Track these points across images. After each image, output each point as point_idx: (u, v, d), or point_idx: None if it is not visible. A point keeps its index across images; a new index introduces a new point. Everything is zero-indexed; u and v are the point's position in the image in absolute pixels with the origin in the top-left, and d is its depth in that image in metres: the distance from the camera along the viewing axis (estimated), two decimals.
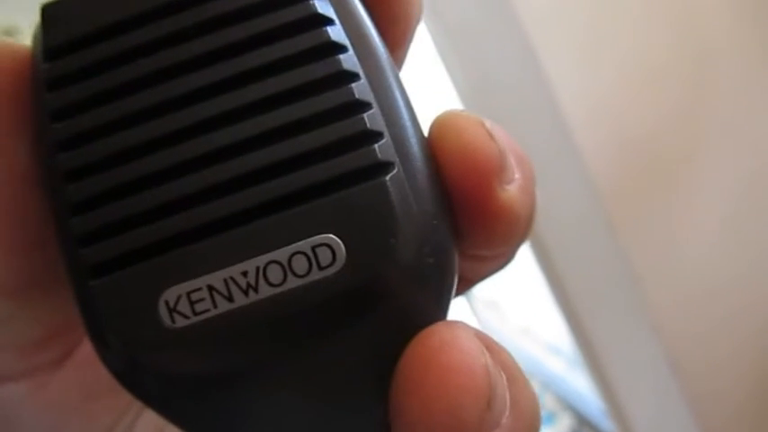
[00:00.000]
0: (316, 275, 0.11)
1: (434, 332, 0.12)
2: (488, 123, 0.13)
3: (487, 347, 0.12)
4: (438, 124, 0.13)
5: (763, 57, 0.73)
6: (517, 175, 0.13)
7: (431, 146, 0.13)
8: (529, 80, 0.69)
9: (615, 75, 0.71)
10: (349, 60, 0.12)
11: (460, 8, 0.71)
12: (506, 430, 0.12)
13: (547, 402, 1.48)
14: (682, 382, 0.78)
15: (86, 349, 0.15)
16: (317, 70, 0.12)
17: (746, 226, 0.76)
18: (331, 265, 0.11)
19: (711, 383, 0.79)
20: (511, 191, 0.13)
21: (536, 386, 1.57)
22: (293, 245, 0.11)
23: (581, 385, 1.28)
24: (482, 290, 1.75)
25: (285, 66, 0.12)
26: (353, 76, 0.12)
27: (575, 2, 0.69)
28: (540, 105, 0.70)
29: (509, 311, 1.62)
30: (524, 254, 0.83)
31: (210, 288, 0.11)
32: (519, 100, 0.72)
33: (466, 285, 0.17)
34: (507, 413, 0.12)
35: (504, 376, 0.12)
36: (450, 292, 0.13)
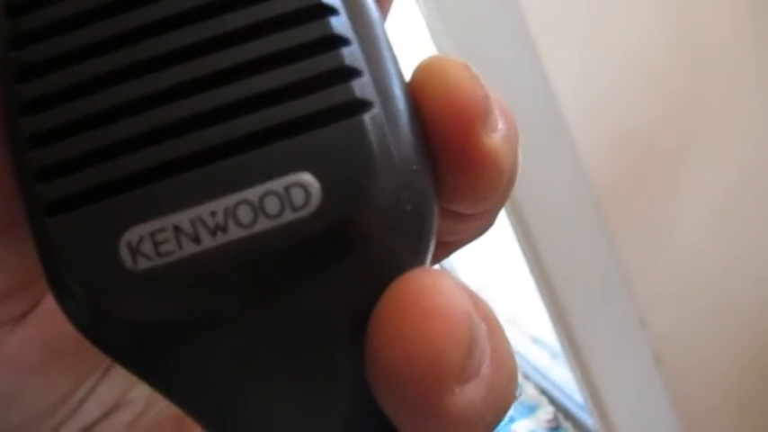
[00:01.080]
0: (288, 217, 0.11)
1: (414, 277, 0.11)
2: (475, 70, 0.13)
3: (469, 296, 0.12)
4: (421, 68, 0.13)
5: (759, 54, 0.73)
6: (501, 126, 0.13)
7: (414, 91, 0.13)
8: (526, 72, 0.69)
9: (611, 69, 0.70)
10: None
11: (460, 1, 0.70)
12: (485, 382, 0.12)
13: (528, 393, 1.48)
14: (664, 376, 0.78)
15: (49, 304, 0.14)
16: (292, 3, 0.11)
17: (735, 223, 0.76)
18: (305, 206, 0.11)
19: (694, 378, 0.79)
20: (495, 139, 0.13)
21: (518, 377, 1.58)
22: (265, 184, 0.11)
23: (563, 377, 1.29)
24: (469, 278, 1.75)
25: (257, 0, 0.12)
26: (332, 11, 0.12)
27: (578, 2, 0.68)
28: (537, 97, 0.69)
29: (495, 301, 1.63)
30: (512, 244, 0.83)
31: (176, 228, 0.11)
32: (515, 92, 0.71)
33: (445, 250, 0.16)
34: (487, 363, 0.12)
35: (484, 327, 0.12)
36: (428, 243, 0.12)
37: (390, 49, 0.12)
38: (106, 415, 0.16)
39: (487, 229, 0.16)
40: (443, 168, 0.13)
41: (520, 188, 0.77)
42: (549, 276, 0.77)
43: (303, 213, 0.11)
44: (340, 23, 0.12)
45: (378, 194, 0.11)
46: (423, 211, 0.12)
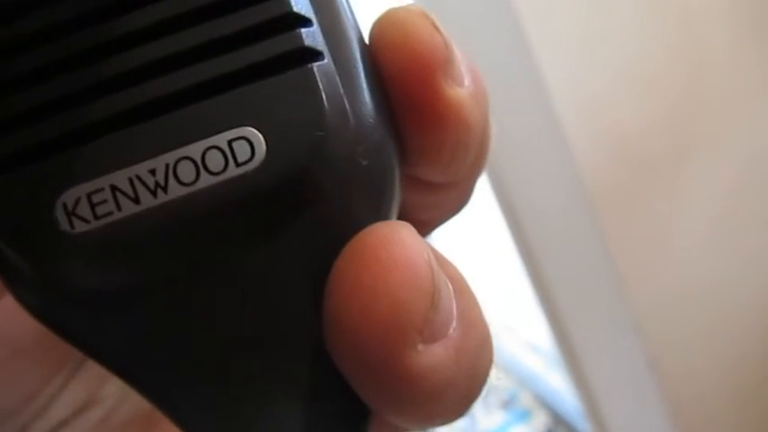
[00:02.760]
0: (232, 172, 0.10)
1: (372, 229, 0.11)
2: (434, 18, 0.12)
3: (431, 251, 0.11)
4: (378, 20, 0.12)
5: (758, 58, 0.73)
6: (467, 82, 0.12)
7: (371, 43, 0.12)
8: (522, 75, 0.68)
9: (608, 73, 0.70)
10: None
11: (455, 4, 0.69)
12: (454, 343, 0.11)
13: (523, 400, 1.48)
14: (660, 384, 0.77)
15: (11, 301, 0.14)
16: None
17: (732, 230, 0.76)
18: (249, 161, 0.10)
19: (690, 386, 0.79)
20: (460, 92, 0.12)
21: (513, 383, 1.58)
22: (207, 139, 0.10)
23: (558, 384, 1.28)
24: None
25: None
26: None
27: (573, 4, 0.68)
28: (533, 103, 0.69)
29: (491, 307, 1.62)
30: (509, 250, 0.82)
31: (114, 188, 0.10)
32: (511, 96, 0.71)
33: (422, 230, 0.15)
34: (455, 325, 0.11)
35: (450, 286, 0.11)
36: (390, 202, 0.12)
37: (345, 3, 0.12)
38: (76, 414, 0.16)
39: (464, 205, 0.15)
40: (406, 124, 0.12)
41: (516, 193, 0.76)
42: (546, 283, 0.77)
43: (247, 168, 0.10)
44: None
45: (327, 148, 0.10)
46: (381, 167, 0.11)
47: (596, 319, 0.78)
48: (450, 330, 0.11)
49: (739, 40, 0.72)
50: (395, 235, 0.11)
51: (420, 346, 0.11)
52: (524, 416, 1.44)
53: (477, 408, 1.54)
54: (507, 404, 1.49)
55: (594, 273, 0.75)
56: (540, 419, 1.40)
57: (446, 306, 0.11)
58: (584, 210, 0.72)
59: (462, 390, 0.11)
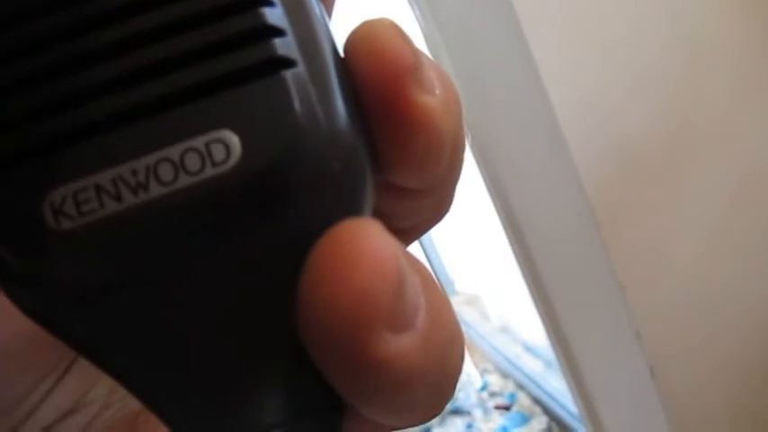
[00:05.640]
0: (209, 172, 0.11)
1: (341, 225, 0.11)
2: (403, 29, 0.13)
3: (397, 244, 0.12)
4: (351, 33, 0.13)
5: (760, 62, 0.73)
6: (438, 91, 0.13)
7: (345, 54, 0.13)
8: (521, 80, 0.68)
9: (607, 77, 0.70)
10: None
11: (453, 4, 0.70)
12: (421, 334, 0.11)
13: (522, 403, 1.48)
14: (659, 388, 0.77)
15: (2, 302, 0.14)
16: None
17: (733, 235, 0.76)
18: (225, 161, 0.11)
19: (689, 390, 0.79)
20: (430, 100, 0.13)
21: (511, 386, 1.58)
22: (185, 141, 0.11)
23: (557, 386, 1.28)
24: (463, 286, 1.75)
25: None
26: None
27: (571, 4, 0.68)
28: (532, 106, 0.69)
29: (489, 309, 1.62)
30: (507, 253, 0.82)
31: (98, 187, 0.11)
32: (511, 102, 0.71)
33: (403, 238, 0.16)
34: (423, 315, 0.12)
35: (418, 279, 0.12)
36: (361, 205, 0.12)
37: (318, 12, 0.13)
38: (62, 417, 0.16)
39: (443, 213, 0.16)
40: (378, 129, 0.13)
41: (515, 198, 0.76)
42: (544, 286, 0.77)
43: (223, 169, 0.11)
44: None
45: (299, 149, 0.11)
46: (353, 169, 0.12)
47: (596, 325, 0.78)
48: (418, 321, 0.11)
49: (736, 41, 0.72)
50: (362, 229, 0.11)
51: (387, 335, 0.11)
52: (523, 419, 1.44)
53: (476, 412, 1.54)
54: (506, 408, 1.49)
55: (594, 279, 0.75)
56: (540, 422, 1.40)
57: (413, 297, 0.11)
58: (582, 213, 0.72)
59: (432, 382, 0.12)
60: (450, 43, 0.71)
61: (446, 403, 0.12)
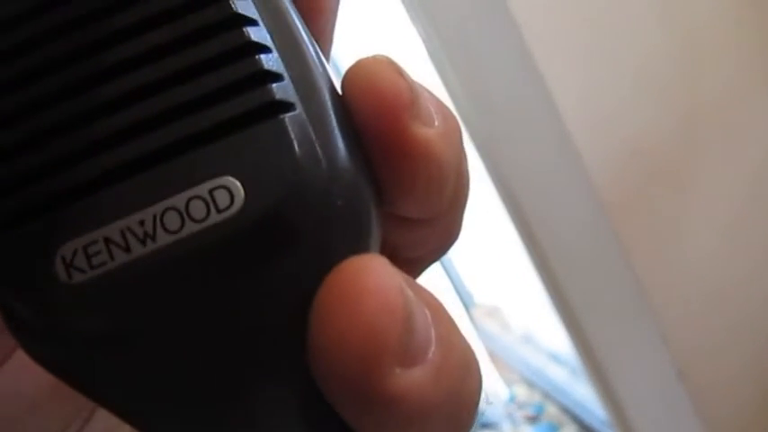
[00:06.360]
0: (214, 219, 0.11)
1: (347, 263, 0.11)
2: (399, 65, 0.13)
3: (408, 284, 0.12)
4: (348, 71, 0.13)
5: (763, 52, 0.72)
6: (438, 123, 0.13)
7: (343, 92, 0.13)
8: (526, 88, 0.68)
9: (615, 82, 0.70)
10: (245, 6, 0.12)
11: (455, 13, 0.70)
12: (434, 366, 0.11)
13: (550, 412, 1.46)
14: (689, 391, 0.76)
15: (23, 354, 0.14)
16: (210, 17, 0.12)
17: (750, 234, 0.75)
18: (229, 207, 0.11)
19: (719, 392, 0.77)
20: (429, 132, 0.13)
21: (538, 396, 1.56)
22: (189, 190, 0.11)
23: (585, 394, 1.27)
24: (482, 297, 1.74)
25: (177, 13, 0.12)
26: (249, 21, 0.12)
27: (573, 9, 0.68)
28: (540, 115, 0.69)
29: (510, 319, 1.61)
30: (525, 261, 0.82)
31: (107, 240, 0.11)
32: (518, 111, 0.71)
33: (412, 268, 0.16)
34: (434, 348, 0.12)
35: (428, 313, 0.12)
36: (366, 240, 0.12)
37: (315, 54, 0.13)
38: None
39: (452, 241, 0.16)
40: (379, 164, 0.13)
41: (528, 206, 0.76)
42: (563, 293, 0.76)
43: (228, 214, 0.11)
44: (257, 32, 0.12)
45: (301, 191, 0.11)
46: (356, 206, 0.12)
47: (619, 328, 0.77)
48: (430, 354, 0.11)
49: (746, 47, 0.72)
50: (367, 265, 0.11)
51: (398, 370, 0.11)
52: (552, 429, 1.42)
53: (505, 424, 1.52)
54: (534, 419, 1.47)
55: (614, 281, 0.74)
56: (569, 431, 1.38)
57: (422, 330, 0.11)
58: (600, 219, 0.72)
59: (448, 413, 0.12)
60: (453, 59, 0.72)
61: (467, 431, 0.12)
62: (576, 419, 1.37)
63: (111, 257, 0.11)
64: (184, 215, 0.11)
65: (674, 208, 0.73)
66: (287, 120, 0.11)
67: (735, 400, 0.78)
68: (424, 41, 0.75)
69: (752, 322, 0.76)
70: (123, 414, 0.12)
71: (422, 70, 0.74)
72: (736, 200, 0.74)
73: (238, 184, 0.11)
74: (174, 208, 0.11)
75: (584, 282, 0.76)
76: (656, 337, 0.75)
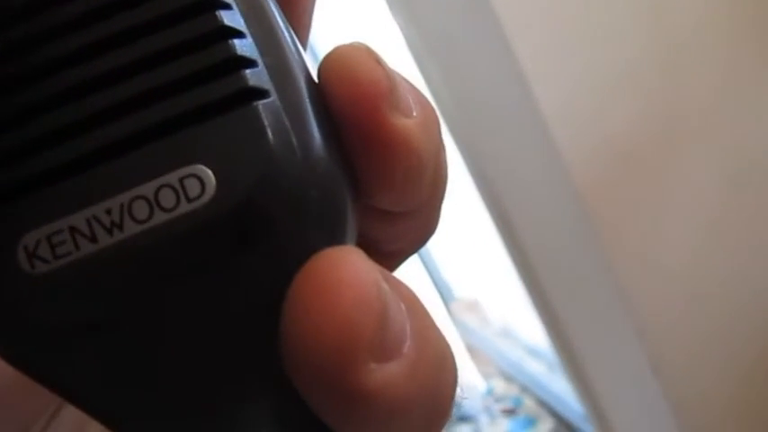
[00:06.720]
0: (184, 208, 0.11)
1: (323, 254, 0.11)
2: (377, 53, 0.13)
3: (384, 277, 0.12)
4: (325, 58, 0.13)
5: (739, 50, 0.73)
6: (416, 112, 0.13)
7: (320, 80, 0.13)
8: (508, 85, 0.68)
9: (596, 81, 0.70)
10: None
11: (439, 13, 0.70)
12: (409, 361, 0.11)
13: (527, 406, 1.47)
14: (664, 385, 0.77)
15: None
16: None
17: (729, 230, 0.76)
18: (200, 196, 0.11)
19: (694, 387, 0.78)
20: (407, 122, 0.12)
21: (515, 389, 1.57)
22: (158, 178, 0.11)
23: (562, 388, 1.28)
24: (461, 291, 1.75)
25: None
26: (223, 5, 0.12)
27: (555, 7, 0.68)
28: (521, 112, 0.69)
29: (489, 313, 1.62)
30: (504, 256, 0.82)
31: (72, 229, 0.11)
32: (499, 107, 0.71)
33: (389, 261, 0.16)
34: (409, 343, 0.11)
35: (403, 307, 0.12)
36: (342, 232, 0.12)
37: (291, 41, 0.12)
38: None
39: (429, 234, 0.16)
40: (357, 155, 0.12)
41: (507, 201, 0.76)
42: (542, 288, 0.77)
43: (198, 203, 0.11)
44: (231, 17, 0.12)
45: (275, 180, 0.11)
46: (332, 197, 0.12)
47: (597, 326, 0.78)
48: (405, 349, 0.11)
49: (726, 36, 0.73)
50: (343, 257, 0.11)
51: (372, 365, 0.11)
52: (529, 422, 1.43)
53: (482, 417, 1.53)
54: (511, 412, 1.49)
55: (593, 280, 0.75)
56: (546, 425, 1.40)
57: (397, 325, 0.11)
58: (578, 214, 0.72)
59: (424, 408, 0.12)
60: (434, 52, 0.72)
61: (443, 426, 0.12)
62: (553, 413, 1.38)
63: (77, 247, 0.11)
64: (153, 204, 0.11)
65: (654, 206, 0.74)
66: (260, 107, 0.11)
67: (709, 395, 0.79)
68: (404, 37, 0.75)
69: (728, 319, 0.77)
70: (85, 407, 0.12)
71: (401, 61, 0.74)
72: (715, 199, 0.75)
73: (209, 172, 0.11)
74: (142, 196, 0.11)
75: (563, 278, 0.76)
76: (632, 333, 0.75)
